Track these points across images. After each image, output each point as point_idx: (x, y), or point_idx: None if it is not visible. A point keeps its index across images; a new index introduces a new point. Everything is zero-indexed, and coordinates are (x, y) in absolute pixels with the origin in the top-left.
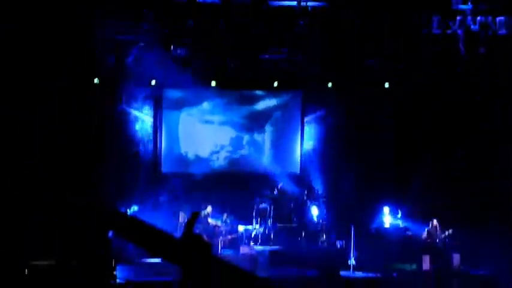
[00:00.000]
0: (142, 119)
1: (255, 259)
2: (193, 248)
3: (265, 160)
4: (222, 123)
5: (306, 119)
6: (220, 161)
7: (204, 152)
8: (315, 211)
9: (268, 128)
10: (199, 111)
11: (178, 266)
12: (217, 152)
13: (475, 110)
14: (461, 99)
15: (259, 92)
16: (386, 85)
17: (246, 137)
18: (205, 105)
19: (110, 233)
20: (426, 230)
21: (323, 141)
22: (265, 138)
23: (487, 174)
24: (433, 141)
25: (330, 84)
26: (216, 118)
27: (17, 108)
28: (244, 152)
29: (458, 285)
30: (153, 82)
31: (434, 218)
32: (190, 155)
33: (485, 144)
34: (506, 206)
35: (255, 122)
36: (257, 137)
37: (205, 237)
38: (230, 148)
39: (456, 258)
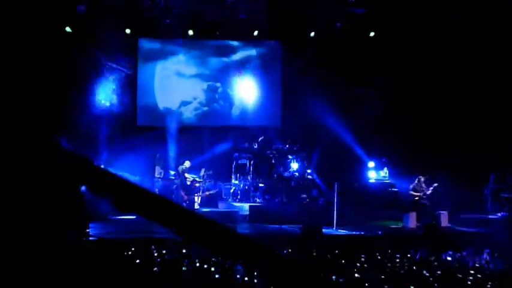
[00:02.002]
0: (117, 70)
1: (234, 216)
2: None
3: (242, 113)
4: (197, 76)
5: (286, 71)
6: (195, 113)
7: (178, 105)
8: (296, 166)
9: (245, 81)
10: (175, 63)
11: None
12: (189, 104)
13: None
14: None
15: (236, 43)
16: (372, 34)
17: (221, 89)
18: (181, 57)
19: (83, 187)
20: (412, 186)
21: (306, 94)
22: (242, 90)
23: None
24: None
25: (312, 34)
26: (191, 70)
27: None
28: (219, 104)
29: (446, 244)
30: (128, 31)
31: (422, 175)
32: (165, 108)
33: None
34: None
35: (231, 74)
36: (233, 89)
37: (182, 192)
38: (204, 101)
39: (444, 216)
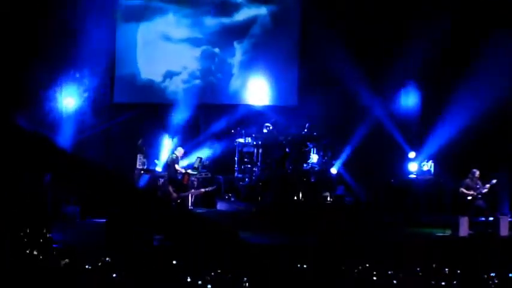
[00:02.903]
0: (90, 32)
1: (236, 218)
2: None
3: (248, 89)
4: (188, 40)
5: (307, 34)
6: (184, 87)
7: (163, 77)
8: (316, 157)
9: (251, 47)
10: (162, 24)
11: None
12: (177, 76)
13: None
14: None
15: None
16: None
17: (220, 58)
18: (170, 16)
19: (47, 177)
20: (464, 182)
21: (332, 65)
22: (247, 60)
23: None
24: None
25: None
26: (182, 33)
27: None
28: (216, 77)
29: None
30: None
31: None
32: (148, 80)
33: None
34: None
35: (234, 39)
36: (235, 58)
37: (171, 189)
38: (198, 72)
39: (504, 222)
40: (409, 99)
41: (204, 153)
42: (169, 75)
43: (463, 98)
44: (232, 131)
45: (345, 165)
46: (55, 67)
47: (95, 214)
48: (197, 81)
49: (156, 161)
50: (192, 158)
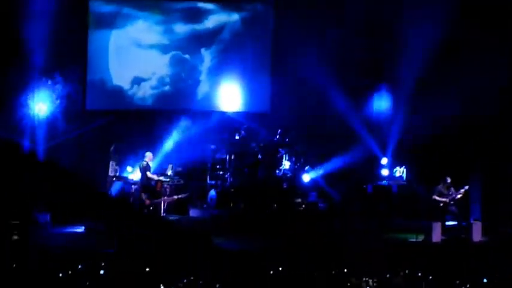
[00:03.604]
0: (62, 38)
1: (209, 226)
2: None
3: (219, 96)
4: (158, 46)
5: (279, 41)
6: (152, 93)
7: (132, 83)
8: (288, 163)
9: (222, 54)
10: (134, 31)
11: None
12: (146, 82)
13: None
14: None
15: (212, 5)
16: None
17: (190, 65)
18: (142, 23)
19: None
20: (436, 188)
21: (303, 72)
22: (219, 67)
23: None
24: None
25: None
26: (153, 40)
27: None
28: (187, 84)
29: (480, 264)
30: None
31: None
32: (118, 87)
33: None
34: None
35: (205, 45)
36: (206, 65)
37: (143, 196)
38: (168, 79)
39: (477, 228)
40: (382, 104)
41: (176, 160)
42: (139, 81)
43: (435, 103)
44: (205, 137)
45: (318, 171)
46: (27, 74)
47: (66, 221)
48: (168, 88)
49: (128, 167)
50: (164, 165)
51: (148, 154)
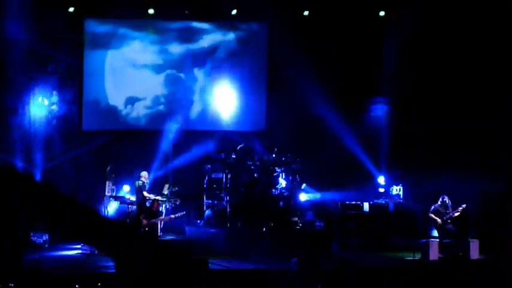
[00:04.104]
0: (57, 59)
1: (206, 245)
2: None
3: (216, 115)
4: (154, 66)
5: (274, 60)
6: (153, 114)
7: (127, 103)
8: (285, 182)
9: (217, 73)
10: (130, 51)
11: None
12: (140, 101)
13: None
14: None
15: (207, 25)
16: (382, 13)
17: (186, 84)
18: (137, 43)
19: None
20: (433, 207)
21: (298, 91)
22: (215, 86)
23: None
24: None
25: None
26: (148, 60)
27: None
28: (182, 104)
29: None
30: (71, 9)
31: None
32: (114, 107)
33: None
34: None
35: (201, 65)
36: (202, 84)
37: (141, 216)
38: (163, 99)
39: (474, 246)
40: (378, 121)
41: (173, 179)
42: (134, 101)
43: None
44: (201, 156)
45: (315, 189)
46: (23, 94)
47: (64, 242)
48: (163, 107)
49: (124, 187)
50: (161, 185)
51: (144, 173)
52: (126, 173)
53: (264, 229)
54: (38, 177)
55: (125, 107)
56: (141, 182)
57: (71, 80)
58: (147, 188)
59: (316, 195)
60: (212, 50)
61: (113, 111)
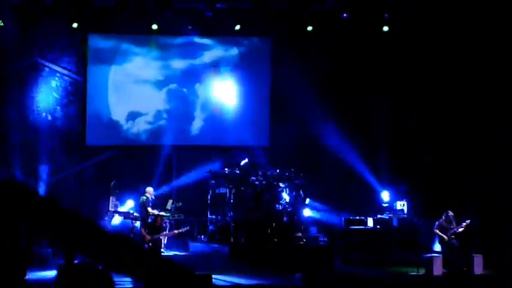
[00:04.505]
0: (61, 74)
1: (209, 260)
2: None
3: (219, 130)
4: (157, 82)
5: (277, 75)
6: (156, 130)
7: (131, 118)
8: (289, 197)
9: (220, 88)
10: (133, 67)
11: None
12: (143, 117)
13: None
14: None
15: (210, 40)
16: (385, 28)
17: (190, 99)
18: (140, 59)
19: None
20: (438, 222)
21: (302, 105)
22: (218, 101)
23: None
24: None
25: (309, 28)
26: (150, 75)
27: None
28: (185, 118)
29: None
30: (75, 25)
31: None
32: (117, 122)
33: None
34: None
35: (204, 80)
36: (205, 99)
37: (144, 231)
38: (165, 114)
39: (478, 260)
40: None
41: (177, 194)
42: (136, 116)
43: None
44: (205, 172)
45: (318, 205)
46: (27, 109)
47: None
48: (166, 123)
49: (128, 202)
50: (165, 200)
51: (149, 189)
52: (129, 188)
53: (268, 244)
54: (41, 191)
55: (128, 122)
56: (145, 197)
57: (75, 94)
58: (151, 204)
59: (319, 211)
60: (215, 65)
61: (116, 126)
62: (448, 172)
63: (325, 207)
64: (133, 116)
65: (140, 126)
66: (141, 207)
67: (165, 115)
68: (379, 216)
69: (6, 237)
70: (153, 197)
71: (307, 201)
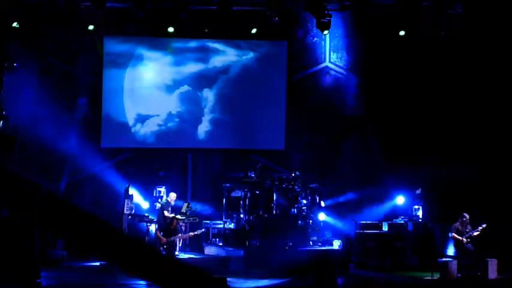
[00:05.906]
0: (76, 76)
1: (224, 263)
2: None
3: (234, 133)
4: (172, 84)
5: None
6: (171, 132)
7: (154, 121)
8: (304, 200)
9: (236, 92)
10: (147, 70)
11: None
12: (154, 118)
13: None
14: None
15: (225, 45)
16: (402, 33)
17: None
18: (153, 61)
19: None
20: (454, 226)
21: (318, 109)
22: (233, 104)
23: None
24: None
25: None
26: (165, 78)
27: None
28: (200, 121)
29: None
30: (91, 27)
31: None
32: (133, 124)
33: None
34: None
35: (219, 83)
36: (220, 103)
37: (159, 234)
38: (179, 118)
39: (492, 265)
40: None
41: (192, 198)
42: (149, 119)
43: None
44: (220, 175)
45: (333, 209)
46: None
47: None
48: (180, 125)
49: (143, 205)
50: (180, 203)
51: (172, 195)
52: (144, 190)
53: (283, 248)
54: (58, 194)
55: (142, 124)
56: (165, 200)
57: (91, 97)
58: (169, 208)
59: (334, 215)
60: (230, 69)
61: (131, 129)
62: (463, 175)
63: (340, 211)
64: (147, 119)
65: (156, 129)
66: (159, 210)
67: (178, 118)
68: (394, 220)
69: (22, 240)
70: (173, 203)
71: (322, 204)
